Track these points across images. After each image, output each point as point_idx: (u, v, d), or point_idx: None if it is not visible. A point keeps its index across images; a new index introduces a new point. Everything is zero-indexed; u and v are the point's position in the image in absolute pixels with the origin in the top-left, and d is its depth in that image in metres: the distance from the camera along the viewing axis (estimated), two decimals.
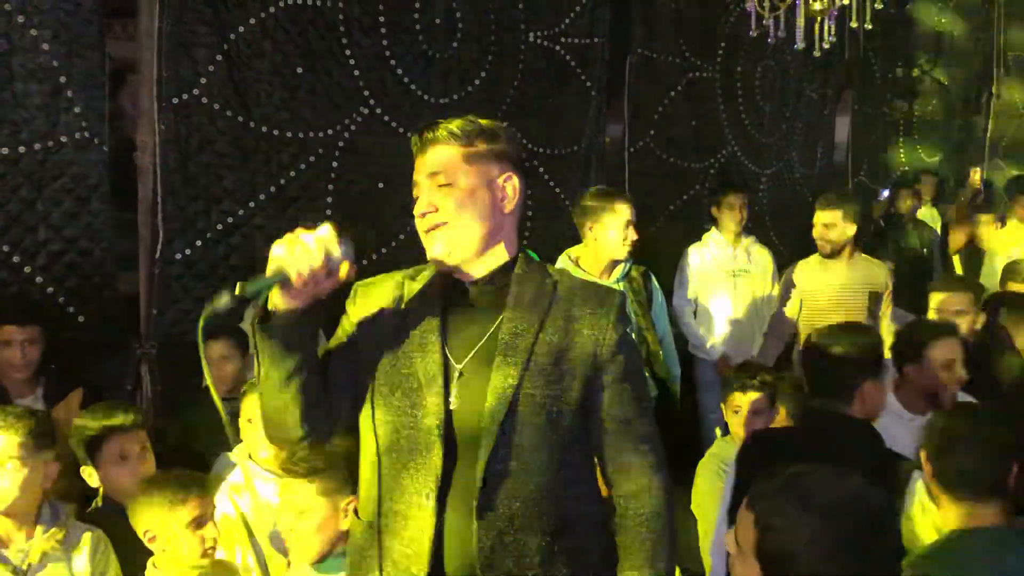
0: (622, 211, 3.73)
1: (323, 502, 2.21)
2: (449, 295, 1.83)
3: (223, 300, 1.56)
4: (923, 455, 2.09)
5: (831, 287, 4.42)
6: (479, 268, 1.83)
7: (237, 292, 1.56)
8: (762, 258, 5.10)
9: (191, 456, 3.15)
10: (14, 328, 3.32)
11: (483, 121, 1.84)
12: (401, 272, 1.90)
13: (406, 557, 1.74)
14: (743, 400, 3.32)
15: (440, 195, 1.78)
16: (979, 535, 1.94)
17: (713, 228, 5.12)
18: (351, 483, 2.13)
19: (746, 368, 3.54)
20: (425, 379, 1.76)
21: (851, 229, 4.41)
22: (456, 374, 1.77)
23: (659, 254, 5.07)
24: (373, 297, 1.86)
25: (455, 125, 1.81)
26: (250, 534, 2.60)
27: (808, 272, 4.54)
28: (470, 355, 1.78)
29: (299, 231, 1.64)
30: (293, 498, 2.23)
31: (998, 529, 1.95)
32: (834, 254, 4.43)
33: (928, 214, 7.35)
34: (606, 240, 3.75)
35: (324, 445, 2.08)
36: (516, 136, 1.92)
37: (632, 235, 3.74)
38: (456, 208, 1.77)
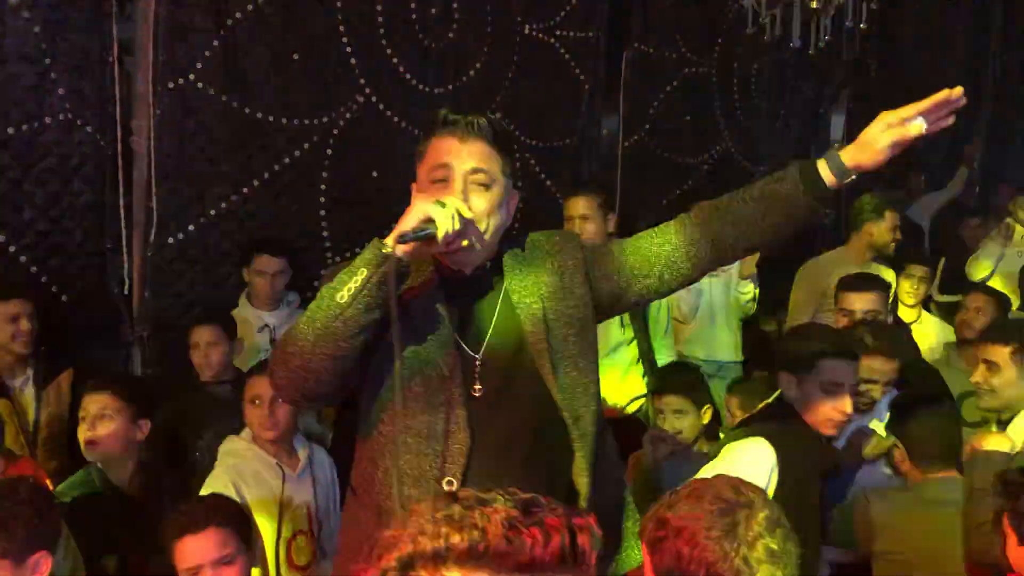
0: (569, 205, 3.87)
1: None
2: (448, 283, 1.84)
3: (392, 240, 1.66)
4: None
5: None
6: (476, 262, 1.86)
7: (397, 238, 1.65)
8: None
9: (176, 440, 3.19)
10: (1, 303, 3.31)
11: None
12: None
13: None
14: (662, 403, 3.14)
15: (476, 195, 1.77)
16: None
17: None
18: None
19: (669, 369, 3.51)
20: (443, 372, 1.77)
21: None
22: (476, 364, 1.79)
23: None
24: None
25: (501, 128, 1.82)
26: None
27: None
28: (485, 342, 1.81)
29: (449, 197, 1.69)
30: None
31: None
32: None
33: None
34: None
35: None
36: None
37: (580, 229, 3.64)
38: (486, 213, 1.78)
